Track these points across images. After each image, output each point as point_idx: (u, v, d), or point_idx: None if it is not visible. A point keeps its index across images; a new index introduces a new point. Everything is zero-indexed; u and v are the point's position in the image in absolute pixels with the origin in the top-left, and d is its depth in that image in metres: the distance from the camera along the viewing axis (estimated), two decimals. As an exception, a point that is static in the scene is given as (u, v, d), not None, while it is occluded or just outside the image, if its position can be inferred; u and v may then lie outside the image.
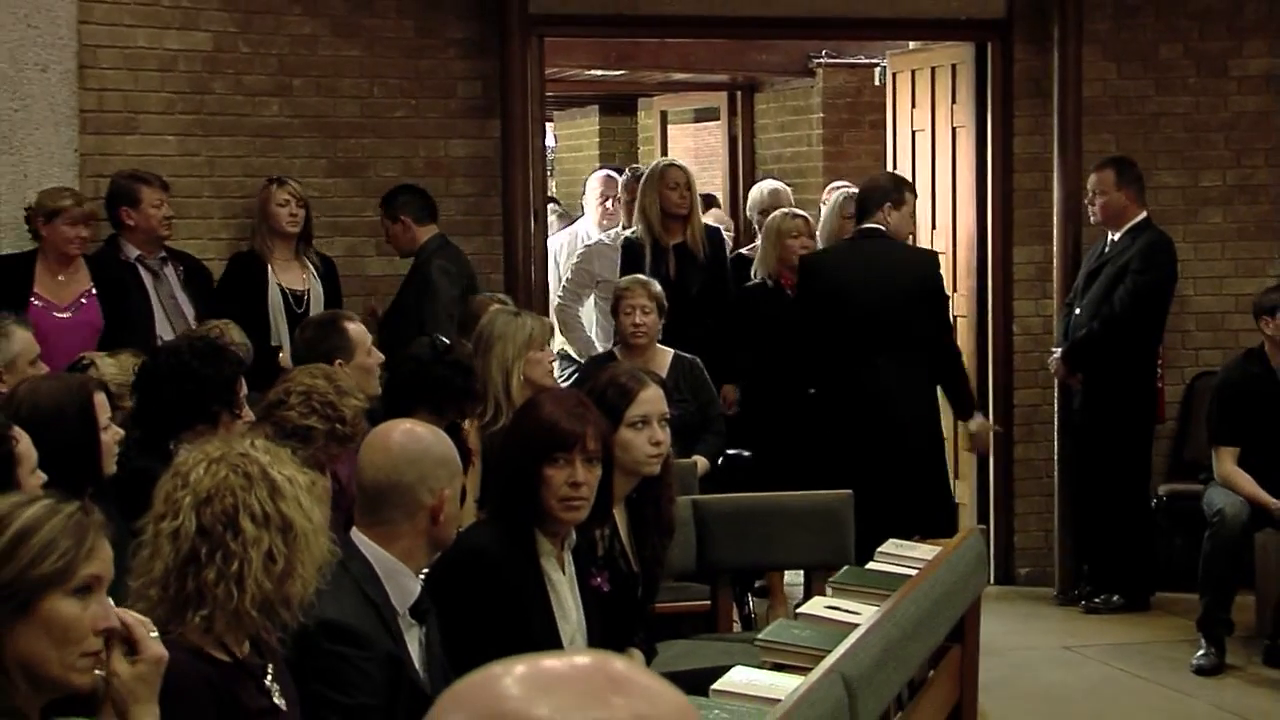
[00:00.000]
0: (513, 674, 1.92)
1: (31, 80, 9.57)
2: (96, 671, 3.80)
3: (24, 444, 5.32)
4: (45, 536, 3.67)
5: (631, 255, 10.52)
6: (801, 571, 8.46)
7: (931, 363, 9.65)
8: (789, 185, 13.90)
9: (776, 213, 10.54)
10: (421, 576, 5.13)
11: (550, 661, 1.97)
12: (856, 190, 10.69)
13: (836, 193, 11.32)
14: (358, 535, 5.04)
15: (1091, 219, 10.78)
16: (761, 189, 11.81)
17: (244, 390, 6.58)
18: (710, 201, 14.75)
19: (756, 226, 11.64)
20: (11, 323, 7.23)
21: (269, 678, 4.38)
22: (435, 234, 9.92)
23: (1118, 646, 9.67)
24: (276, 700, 4.37)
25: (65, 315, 8.67)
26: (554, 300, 11.16)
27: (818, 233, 10.78)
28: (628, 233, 10.93)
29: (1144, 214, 10.59)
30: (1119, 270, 10.41)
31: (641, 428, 6.29)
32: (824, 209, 11.21)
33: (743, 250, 11.76)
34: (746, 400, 10.35)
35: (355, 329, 7.66)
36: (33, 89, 9.57)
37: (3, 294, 8.50)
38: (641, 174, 11.83)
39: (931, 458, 9.52)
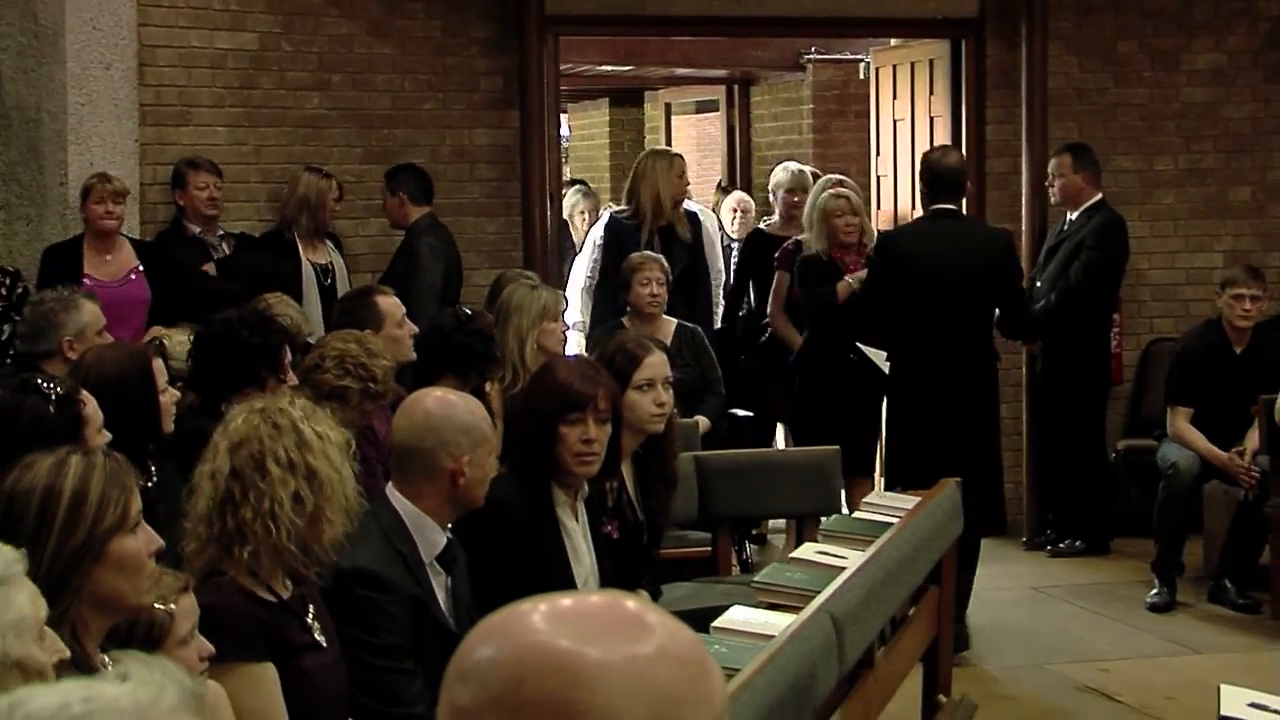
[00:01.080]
0: (539, 610, 1.92)
1: (96, 78, 9.61)
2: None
3: (90, 406, 5.34)
4: (97, 492, 3.72)
5: (620, 233, 10.37)
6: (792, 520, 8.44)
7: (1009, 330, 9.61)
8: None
9: (825, 193, 10.43)
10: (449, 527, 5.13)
11: (574, 600, 1.98)
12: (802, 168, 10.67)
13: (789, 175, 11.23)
14: (391, 490, 5.07)
15: (1052, 199, 10.78)
16: (787, 169, 11.65)
17: (289, 357, 6.58)
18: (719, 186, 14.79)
19: (776, 204, 11.51)
20: (81, 297, 7.26)
21: (310, 616, 4.40)
22: (427, 214, 9.92)
23: (1080, 587, 9.67)
24: (318, 637, 4.40)
25: (115, 291, 8.66)
26: (583, 281, 10.97)
27: (809, 230, 10.69)
28: (614, 210, 10.81)
29: (1099, 195, 10.59)
30: (1075, 247, 10.41)
31: (647, 390, 6.31)
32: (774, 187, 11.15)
33: (761, 225, 11.66)
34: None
35: (386, 303, 7.67)
36: (97, 85, 9.62)
37: (57, 277, 8.54)
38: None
39: (988, 443, 9.13)
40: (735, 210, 12.70)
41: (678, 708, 1.90)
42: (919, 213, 11.55)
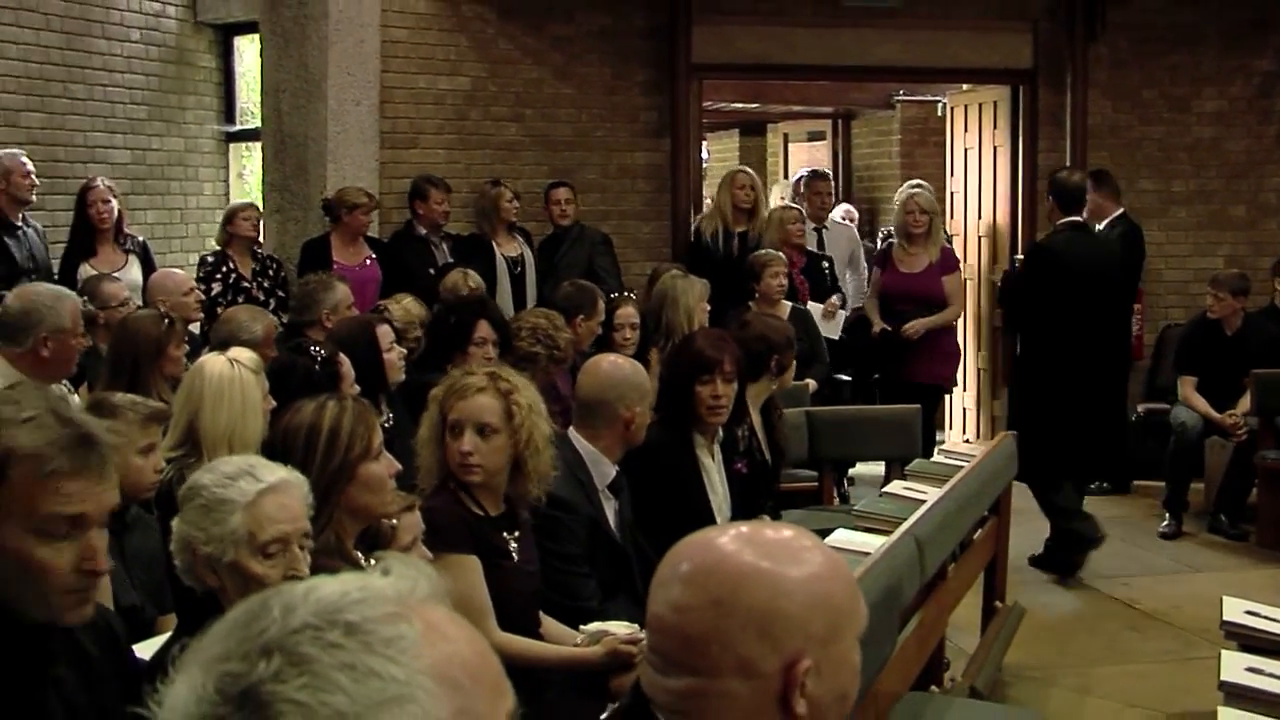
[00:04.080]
0: (726, 535, 1.97)
1: (349, 112, 9.74)
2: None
3: (346, 365, 5.44)
4: (348, 428, 3.78)
5: (703, 241, 10.06)
6: (885, 462, 8.38)
7: None
8: (874, 187, 13.77)
9: (777, 205, 10.40)
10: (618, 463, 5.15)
11: (752, 527, 2.03)
12: (917, 189, 10.42)
13: (902, 190, 11.06)
14: (573, 433, 5.10)
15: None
16: (907, 185, 11.51)
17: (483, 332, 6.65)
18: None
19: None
20: (336, 280, 7.35)
21: (511, 533, 4.42)
22: None
23: (1106, 518, 9.45)
24: (512, 548, 4.40)
25: (355, 272, 8.78)
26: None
27: (892, 224, 10.55)
28: (697, 220, 10.54)
29: (1120, 210, 10.46)
30: (1102, 252, 10.30)
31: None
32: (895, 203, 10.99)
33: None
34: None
35: (601, 301, 7.73)
36: (349, 118, 9.75)
37: (312, 264, 8.70)
38: (801, 178, 11.63)
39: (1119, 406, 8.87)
40: (843, 219, 12.43)
41: (843, 618, 1.96)
42: (983, 222, 11.51)
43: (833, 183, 12.13)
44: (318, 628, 1.18)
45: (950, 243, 11.29)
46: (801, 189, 11.49)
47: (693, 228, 10.35)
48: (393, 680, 1.16)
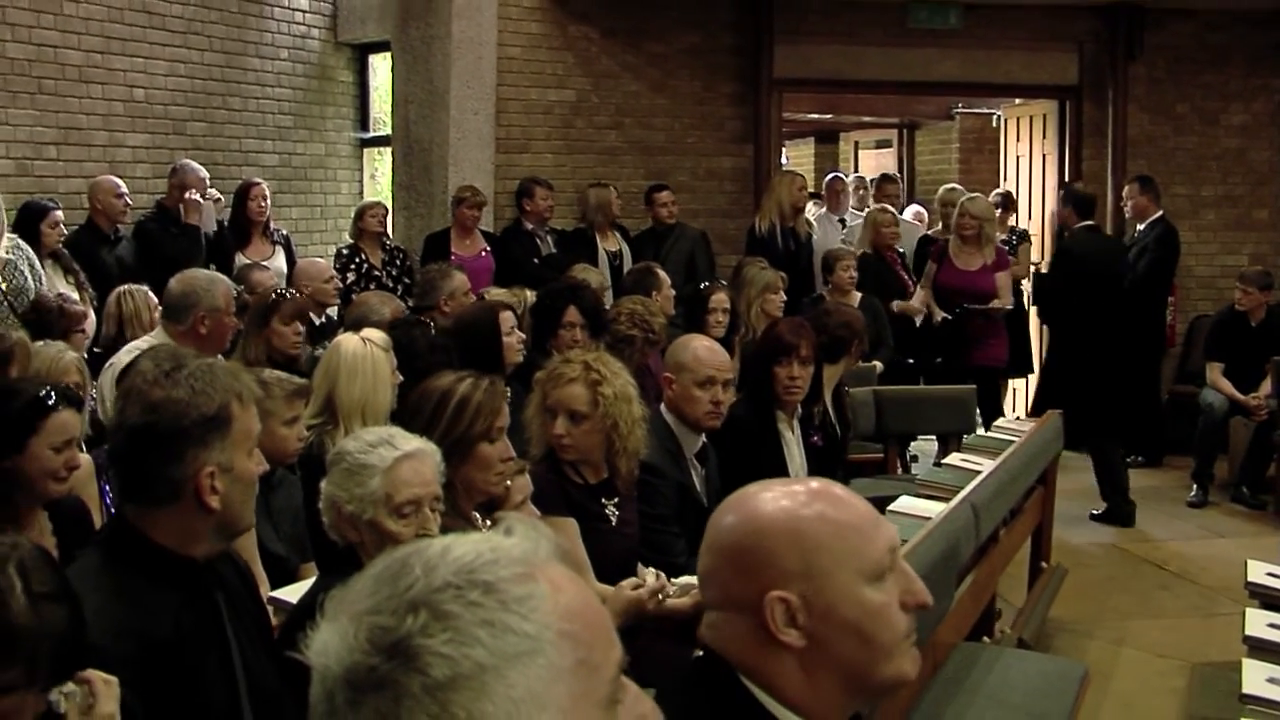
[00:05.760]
0: (769, 489, 1.95)
1: (468, 120, 9.76)
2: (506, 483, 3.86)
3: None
4: (475, 402, 3.71)
5: (757, 236, 9.73)
6: (941, 437, 8.29)
7: None
8: (935, 191, 13.61)
9: (874, 208, 10.23)
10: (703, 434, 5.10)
11: (790, 481, 2.00)
12: (966, 196, 10.25)
13: (950, 194, 10.87)
14: (662, 406, 5.04)
15: (1126, 214, 10.50)
16: (947, 189, 11.29)
17: (575, 319, 6.58)
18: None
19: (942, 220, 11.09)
20: (454, 269, 7.35)
21: (610, 499, 4.36)
22: None
23: (1140, 489, 9.40)
24: (609, 513, 4.35)
25: (471, 262, 8.77)
26: None
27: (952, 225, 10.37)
28: (755, 220, 10.26)
29: (1160, 212, 10.29)
30: (1141, 249, 10.13)
31: None
32: (940, 205, 10.82)
33: (929, 233, 11.31)
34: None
35: (662, 275, 7.70)
36: (468, 125, 9.77)
37: (433, 255, 8.73)
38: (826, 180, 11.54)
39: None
40: (913, 219, 12.08)
41: (823, 554, 1.87)
42: (1033, 222, 11.39)
43: (848, 182, 11.82)
44: (459, 587, 1.18)
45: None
46: (824, 189, 11.54)
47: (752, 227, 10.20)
48: (525, 635, 1.18)
